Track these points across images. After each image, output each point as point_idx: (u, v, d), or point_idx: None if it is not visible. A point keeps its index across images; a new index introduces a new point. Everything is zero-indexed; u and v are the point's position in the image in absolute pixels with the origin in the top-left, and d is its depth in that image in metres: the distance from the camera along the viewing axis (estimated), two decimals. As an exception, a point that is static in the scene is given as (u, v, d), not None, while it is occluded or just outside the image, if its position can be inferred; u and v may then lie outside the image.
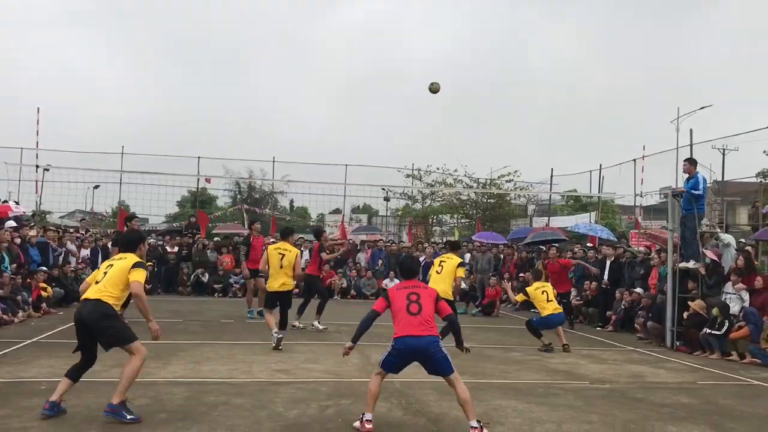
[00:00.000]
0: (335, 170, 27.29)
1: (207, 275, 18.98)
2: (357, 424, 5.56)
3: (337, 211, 34.41)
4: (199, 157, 26.35)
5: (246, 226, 26.18)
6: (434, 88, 13.40)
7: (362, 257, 20.96)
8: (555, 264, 13.89)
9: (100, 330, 5.77)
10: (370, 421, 5.49)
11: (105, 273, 5.90)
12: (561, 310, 11.04)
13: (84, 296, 5.91)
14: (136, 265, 5.88)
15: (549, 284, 11.61)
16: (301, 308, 12.14)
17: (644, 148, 22.78)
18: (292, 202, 44.06)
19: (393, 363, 5.72)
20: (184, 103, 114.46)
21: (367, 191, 30.40)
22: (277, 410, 6.12)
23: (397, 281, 19.51)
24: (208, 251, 19.82)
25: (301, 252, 20.40)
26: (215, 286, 18.69)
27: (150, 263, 19.00)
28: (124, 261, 5.93)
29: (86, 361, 5.95)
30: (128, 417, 5.58)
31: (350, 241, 21.80)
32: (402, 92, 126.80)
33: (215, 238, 22.64)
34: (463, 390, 5.52)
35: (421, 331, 5.56)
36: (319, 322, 11.98)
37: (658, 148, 22.69)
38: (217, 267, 19.28)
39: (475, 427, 5.33)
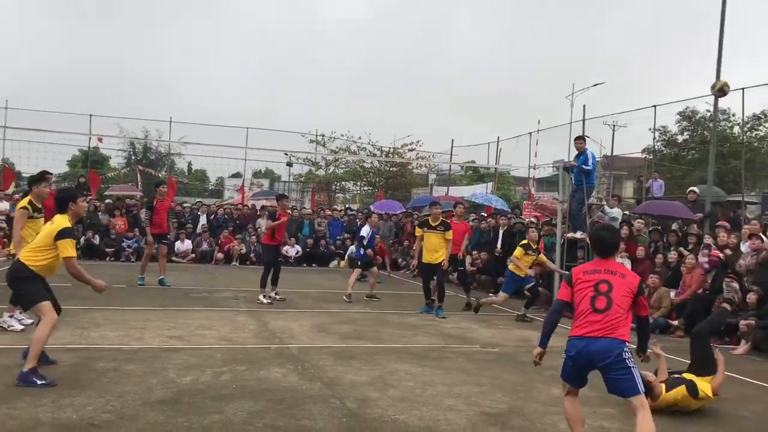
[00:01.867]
0: (236, 133, 26.73)
1: (98, 238, 18.19)
2: None
3: (237, 175, 33.72)
4: (90, 115, 25.11)
5: (140, 188, 25.30)
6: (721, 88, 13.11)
7: (262, 223, 20.65)
8: (459, 224, 12.78)
9: (12, 290, 6.07)
10: None
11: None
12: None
13: None
14: (61, 235, 5.77)
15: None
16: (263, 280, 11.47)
17: (539, 122, 23.64)
18: (190, 164, 42.82)
19: (569, 372, 4.54)
20: (76, 57, 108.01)
21: (270, 156, 29.98)
22: (170, 377, 6.01)
23: (297, 247, 19.48)
24: (100, 213, 19.00)
25: (198, 216, 19.97)
26: (107, 249, 17.96)
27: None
28: (52, 225, 5.89)
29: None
30: (39, 383, 5.44)
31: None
32: (315, 57, 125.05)
33: (107, 200, 21.69)
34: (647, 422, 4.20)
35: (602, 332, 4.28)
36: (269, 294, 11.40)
37: (553, 123, 23.56)
38: (109, 230, 18.52)
39: None
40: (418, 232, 11.41)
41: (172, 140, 28.51)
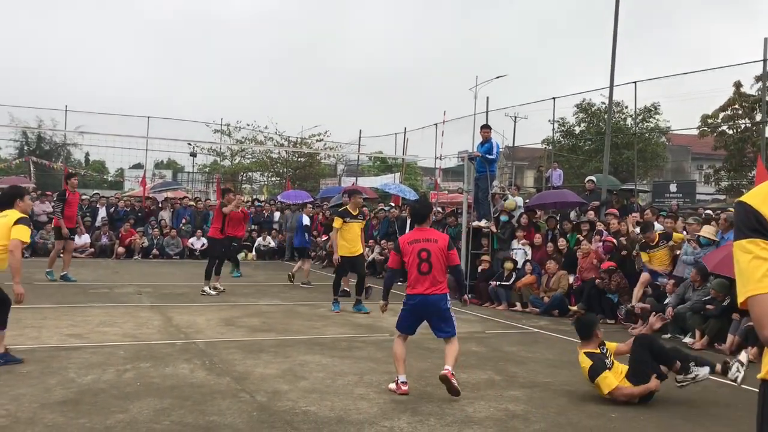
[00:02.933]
0: (137, 122, 25.79)
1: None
2: (392, 386, 5.75)
3: (138, 166, 32.60)
4: (-25, 103, 23.55)
5: (33, 180, 24.01)
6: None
7: (165, 215, 20.07)
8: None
9: None
10: (405, 383, 5.71)
11: None
12: None
13: None
14: (18, 221, 5.90)
15: None
16: (207, 272, 11.61)
17: (444, 113, 24.04)
18: (87, 155, 41.04)
19: (404, 320, 5.95)
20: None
21: (172, 146, 29.11)
22: (70, 376, 5.77)
23: (203, 239, 19.05)
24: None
25: (97, 209, 19.17)
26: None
27: None
28: (5, 218, 5.92)
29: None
30: None
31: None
32: (220, 45, 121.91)
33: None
34: (457, 347, 5.88)
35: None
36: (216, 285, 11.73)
37: (458, 114, 24.06)
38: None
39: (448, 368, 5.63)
40: (337, 222, 10.45)
41: (68, 130, 27.15)
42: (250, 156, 32.62)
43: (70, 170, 24.32)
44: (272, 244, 19.70)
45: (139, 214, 19.65)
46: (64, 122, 26.58)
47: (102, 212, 19.11)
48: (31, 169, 24.82)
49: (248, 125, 30.70)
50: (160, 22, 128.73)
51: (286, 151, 30.91)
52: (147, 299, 10.65)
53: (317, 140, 31.17)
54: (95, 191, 25.85)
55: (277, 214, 20.99)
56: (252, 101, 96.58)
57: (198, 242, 18.85)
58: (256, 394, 5.49)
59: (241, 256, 19.30)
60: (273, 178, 33.78)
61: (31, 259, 15.90)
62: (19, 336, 7.34)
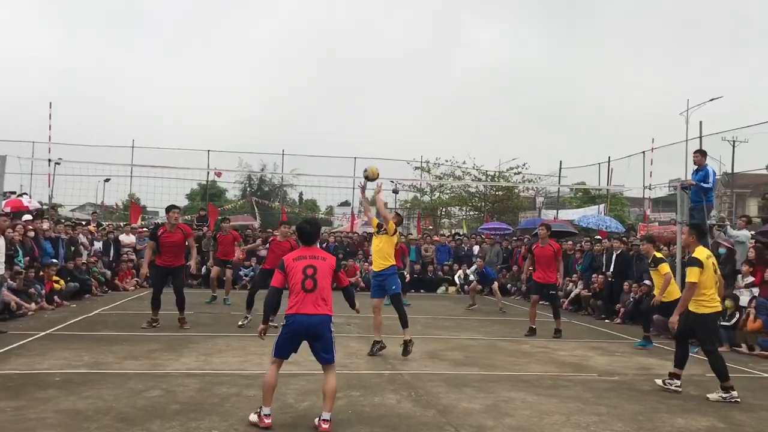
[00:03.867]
0: (344, 163, 27.39)
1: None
2: (254, 417, 5.37)
3: (345, 204, 34.46)
4: (209, 151, 26.48)
5: (257, 219, 26.36)
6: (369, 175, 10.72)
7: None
8: (545, 247, 11.59)
9: None
10: (269, 415, 5.31)
11: None
12: None
13: None
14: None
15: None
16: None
17: (653, 141, 22.71)
18: (301, 195, 44.13)
19: (283, 345, 5.51)
20: (192, 94, 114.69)
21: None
22: (288, 401, 6.20)
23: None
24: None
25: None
26: (224, 278, 18.73)
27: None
28: None
29: None
30: None
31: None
32: (424, 88, 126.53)
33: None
34: (334, 382, 5.53)
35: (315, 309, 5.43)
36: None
37: (667, 141, 22.60)
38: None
39: (326, 420, 5.30)
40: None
41: (285, 173, 29.54)
42: (448, 191, 33.14)
43: (273, 207, 26.39)
44: (472, 277, 19.74)
45: (348, 249, 20.74)
46: (282, 165, 28.99)
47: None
48: (255, 209, 27.25)
49: (447, 161, 31.28)
50: (360, 70, 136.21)
51: (483, 185, 31.00)
52: (356, 330, 11.16)
53: (515, 173, 30.94)
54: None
55: (476, 248, 21.04)
56: (450, 139, 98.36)
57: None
58: (461, 428, 5.51)
59: (441, 289, 19.61)
60: (471, 212, 33.97)
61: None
62: (245, 362, 8.05)
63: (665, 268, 10.03)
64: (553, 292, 11.64)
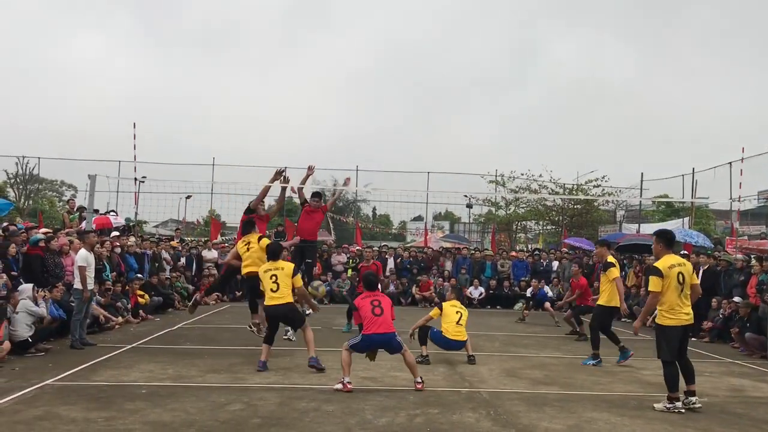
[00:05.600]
0: (417, 177, 27.39)
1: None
2: (339, 386, 7.30)
3: (419, 218, 34.47)
4: (285, 167, 26.97)
5: (332, 234, 26.67)
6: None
7: (448, 264, 20.89)
8: (578, 280, 13.88)
9: None
10: (350, 382, 7.35)
11: None
12: (464, 339, 9.73)
13: None
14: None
15: (464, 309, 10.12)
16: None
17: (743, 150, 21.69)
18: (374, 209, 44.49)
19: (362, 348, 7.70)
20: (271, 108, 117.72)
21: (449, 198, 30.32)
22: (367, 417, 6.20)
23: (481, 289, 19.43)
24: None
25: (386, 260, 20.62)
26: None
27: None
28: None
29: None
30: None
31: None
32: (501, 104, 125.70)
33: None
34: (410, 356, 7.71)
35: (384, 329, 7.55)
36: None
37: (757, 151, 21.51)
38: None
39: (419, 382, 7.52)
40: (434, 313, 10.07)
41: (358, 188, 29.79)
42: (524, 205, 32.63)
43: (348, 222, 26.61)
44: (550, 293, 19.32)
45: (422, 264, 20.70)
46: (355, 181, 29.29)
47: (390, 263, 20.48)
48: (330, 224, 27.60)
49: (522, 174, 30.82)
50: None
51: (561, 198, 30.37)
52: (432, 346, 11.03)
53: (594, 186, 30.18)
54: (383, 243, 27.88)
55: (555, 263, 20.60)
56: (526, 151, 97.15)
57: (476, 291, 19.25)
58: (543, 450, 5.37)
59: (518, 306, 19.27)
60: (548, 227, 33.35)
61: (330, 305, 17.61)
62: (324, 377, 8.12)
63: (614, 273, 9.89)
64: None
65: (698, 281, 7.42)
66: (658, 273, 6.96)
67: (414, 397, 7.15)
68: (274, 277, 8.44)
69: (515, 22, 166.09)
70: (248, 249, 9.76)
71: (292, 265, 8.81)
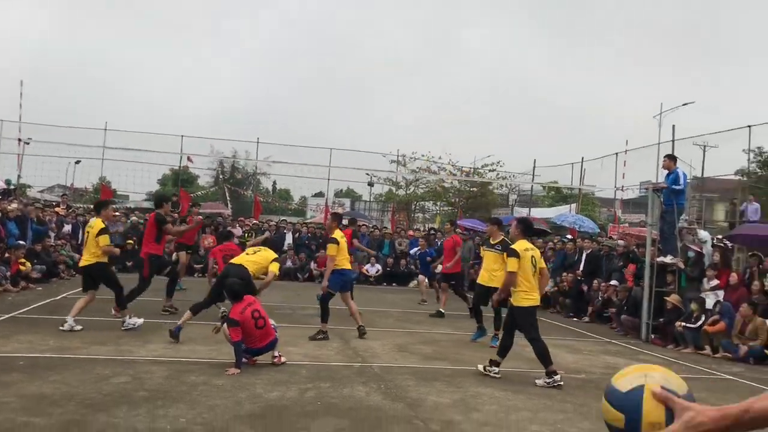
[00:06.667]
0: (320, 153, 27.24)
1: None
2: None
3: (320, 195, 34.36)
4: (182, 136, 26.19)
5: (229, 207, 26.11)
6: None
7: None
8: (449, 240, 13.13)
9: None
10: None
11: None
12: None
13: None
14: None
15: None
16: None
17: (627, 143, 23.00)
18: (274, 183, 43.94)
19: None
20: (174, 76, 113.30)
21: (351, 175, 30.38)
22: (257, 392, 6.16)
23: (378, 266, 19.65)
24: (190, 231, 19.71)
25: (284, 234, 20.47)
26: (195, 266, 18.60)
27: (130, 242, 18.90)
28: None
29: None
30: None
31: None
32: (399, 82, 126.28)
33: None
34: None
35: None
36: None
37: (640, 144, 22.86)
38: (199, 247, 19.15)
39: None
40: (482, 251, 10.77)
41: (259, 159, 29.30)
42: (423, 186, 33.21)
43: (246, 194, 26.22)
44: (439, 269, 19.78)
45: (320, 241, 20.66)
46: (256, 153, 28.77)
47: (288, 238, 20.34)
48: (227, 196, 27.04)
49: (423, 156, 31.32)
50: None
51: (458, 180, 31.10)
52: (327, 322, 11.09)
53: (490, 170, 31.10)
54: (282, 217, 27.62)
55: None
56: (426, 133, 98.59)
57: (373, 269, 19.46)
58: (429, 423, 5.53)
59: (413, 283, 19.65)
60: (445, 208, 34.11)
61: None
62: (214, 350, 7.99)
63: (512, 264, 9.90)
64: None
65: (545, 266, 8.05)
66: (515, 254, 7.39)
67: (306, 371, 7.17)
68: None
69: (432, 7, 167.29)
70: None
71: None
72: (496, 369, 7.49)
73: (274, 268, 9.10)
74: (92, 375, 6.38)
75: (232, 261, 9.17)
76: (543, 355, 7.32)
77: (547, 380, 7.21)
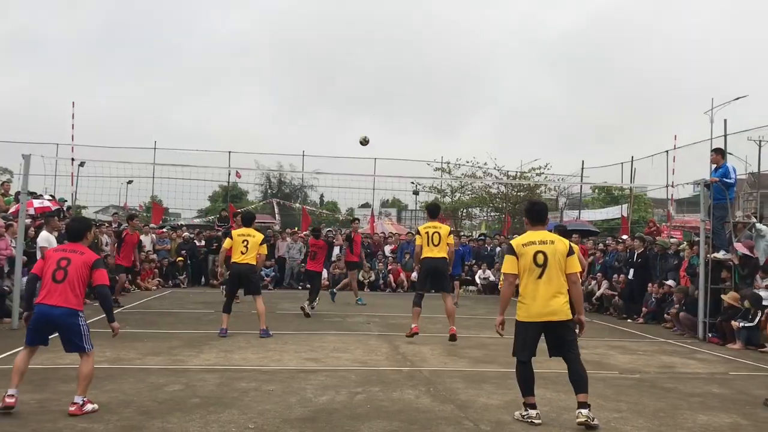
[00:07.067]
0: (365, 164, 27.36)
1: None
2: None
3: (366, 205, 34.49)
4: (230, 152, 26.64)
5: (278, 220, 26.45)
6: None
7: (388, 249, 21.10)
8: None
9: None
10: (12, 395, 5.35)
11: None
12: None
13: None
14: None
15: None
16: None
17: (675, 138, 22.39)
18: (321, 196, 44.26)
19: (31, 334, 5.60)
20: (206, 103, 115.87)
21: (396, 184, 30.42)
22: (307, 396, 6.22)
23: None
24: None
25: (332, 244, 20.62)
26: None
27: (181, 257, 19.34)
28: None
29: None
30: None
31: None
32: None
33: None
34: (89, 367, 5.56)
35: (59, 300, 5.44)
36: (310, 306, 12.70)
37: (692, 140, 22.26)
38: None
39: (74, 402, 5.38)
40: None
41: (306, 171, 29.59)
42: (469, 192, 32.99)
43: (294, 207, 26.55)
44: (492, 278, 19.65)
45: (369, 250, 20.76)
46: (302, 166, 29.07)
47: (336, 249, 20.47)
48: (275, 209, 27.39)
49: (467, 162, 31.11)
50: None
51: (504, 185, 30.81)
52: (375, 328, 11.19)
53: (537, 174, 30.73)
54: (328, 228, 27.83)
55: (498, 249, 20.94)
56: (472, 142, 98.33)
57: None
58: (479, 423, 5.50)
59: (460, 291, 19.56)
60: (492, 213, 33.83)
61: (275, 291, 17.56)
62: (265, 358, 8.10)
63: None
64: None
65: (579, 269, 5.72)
66: (510, 251, 5.69)
67: (355, 376, 7.20)
68: (245, 242, 9.83)
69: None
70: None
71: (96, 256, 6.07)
72: (533, 411, 5.64)
73: (263, 250, 10.17)
74: (147, 384, 6.53)
75: (234, 261, 10.01)
76: (520, 382, 5.80)
77: (522, 413, 5.68)
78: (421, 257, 9.92)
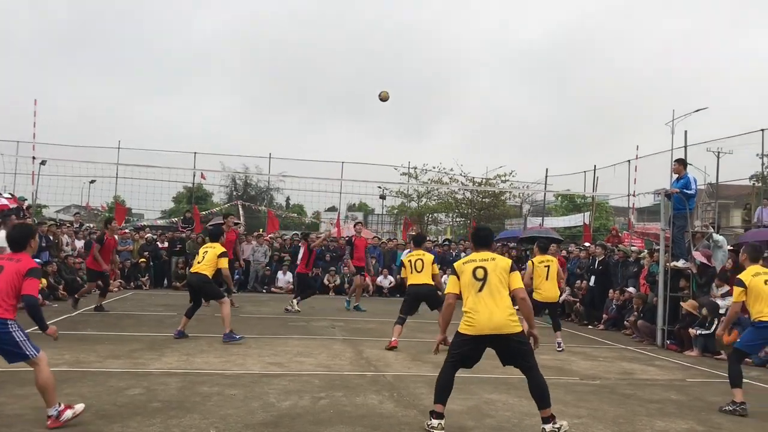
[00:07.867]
0: (331, 167, 27.35)
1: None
2: None
3: (332, 209, 34.43)
4: (195, 153, 26.37)
5: (242, 222, 26.21)
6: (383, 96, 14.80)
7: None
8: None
9: None
10: None
11: None
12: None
13: None
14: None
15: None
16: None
17: (637, 148, 22.84)
18: (288, 199, 44.05)
19: None
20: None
21: (363, 188, 30.45)
22: (270, 401, 6.18)
23: (391, 278, 19.67)
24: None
25: (299, 248, 20.53)
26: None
27: (143, 259, 19.07)
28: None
29: None
30: None
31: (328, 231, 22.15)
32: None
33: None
34: (43, 376, 5.21)
35: None
36: (296, 303, 14.00)
37: (653, 150, 22.75)
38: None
39: (48, 416, 5.10)
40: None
41: (272, 174, 29.42)
42: (435, 198, 33.17)
43: (260, 210, 26.40)
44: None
45: (334, 254, 20.73)
46: (268, 168, 28.90)
47: (301, 251, 20.40)
48: (240, 212, 27.14)
49: (434, 167, 31.31)
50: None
51: (470, 191, 31.05)
52: (339, 333, 11.17)
53: (502, 180, 31.03)
54: (294, 232, 27.70)
55: (463, 254, 21.10)
56: (439, 148, 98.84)
57: (386, 281, 19.46)
58: (442, 429, 5.52)
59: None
60: (458, 219, 34.05)
61: (238, 294, 17.40)
62: (227, 362, 8.03)
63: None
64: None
65: (521, 285, 5.57)
66: (453, 272, 5.70)
67: (319, 381, 7.18)
68: (205, 252, 10.02)
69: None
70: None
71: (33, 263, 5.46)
72: (435, 422, 5.48)
73: (222, 264, 10.00)
74: (106, 387, 6.42)
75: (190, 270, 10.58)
76: (436, 387, 5.71)
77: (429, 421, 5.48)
78: (407, 284, 10.31)
